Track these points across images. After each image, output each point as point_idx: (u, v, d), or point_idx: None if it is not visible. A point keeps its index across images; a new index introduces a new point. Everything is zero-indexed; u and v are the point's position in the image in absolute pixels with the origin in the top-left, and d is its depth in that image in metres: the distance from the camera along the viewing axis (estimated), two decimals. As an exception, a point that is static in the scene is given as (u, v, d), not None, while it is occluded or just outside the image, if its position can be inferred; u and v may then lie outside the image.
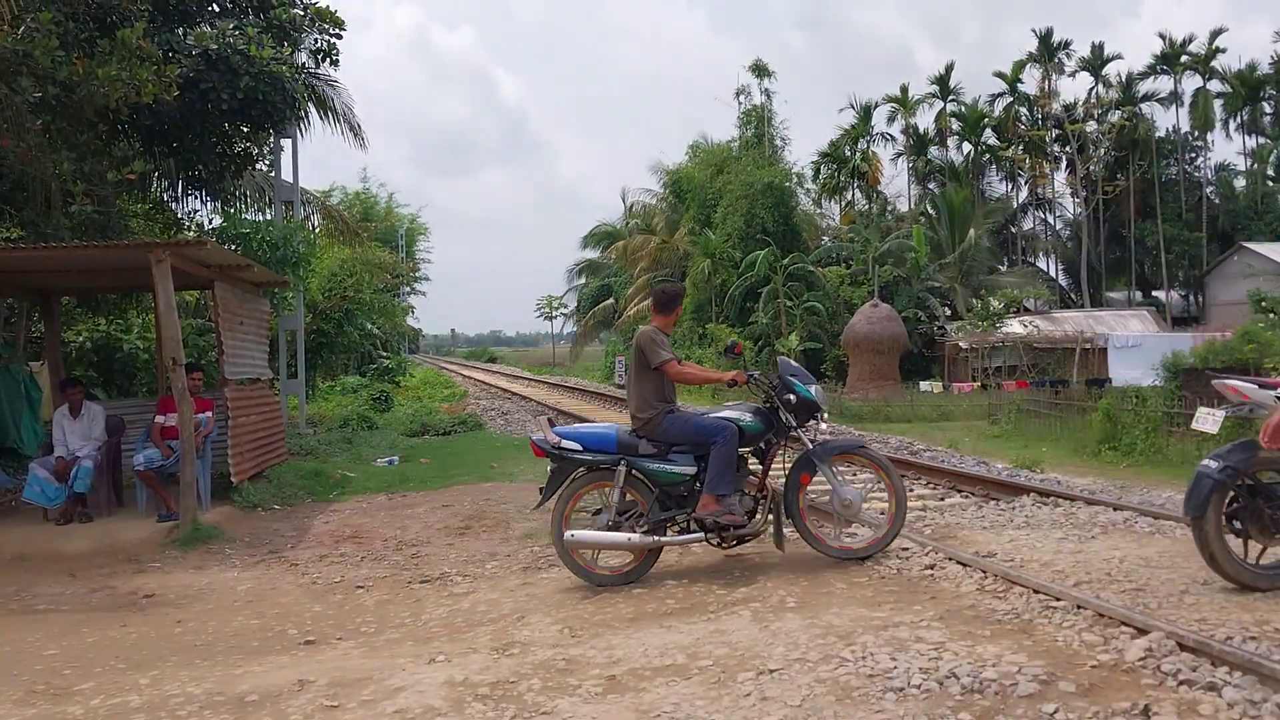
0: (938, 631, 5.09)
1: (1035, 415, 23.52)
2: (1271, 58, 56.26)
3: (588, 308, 70.87)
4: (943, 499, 9.99)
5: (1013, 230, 59.71)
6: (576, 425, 8.34)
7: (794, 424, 6.85)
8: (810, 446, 6.85)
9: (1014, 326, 38.95)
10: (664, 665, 5.02)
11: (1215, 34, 55.34)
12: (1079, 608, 5.22)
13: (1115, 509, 8.35)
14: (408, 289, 68.21)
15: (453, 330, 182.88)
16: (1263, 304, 30.54)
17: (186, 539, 9.09)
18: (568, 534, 6.75)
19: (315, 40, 15.94)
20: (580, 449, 6.88)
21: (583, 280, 76.78)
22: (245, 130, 15.73)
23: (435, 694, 4.72)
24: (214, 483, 10.67)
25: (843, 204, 58.96)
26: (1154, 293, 58.37)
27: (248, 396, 11.48)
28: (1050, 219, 63.41)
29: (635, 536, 6.72)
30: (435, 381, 40.70)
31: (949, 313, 43.92)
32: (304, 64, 16.33)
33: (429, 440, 18.47)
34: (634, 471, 6.83)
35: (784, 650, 5.06)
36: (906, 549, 6.89)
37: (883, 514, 7.28)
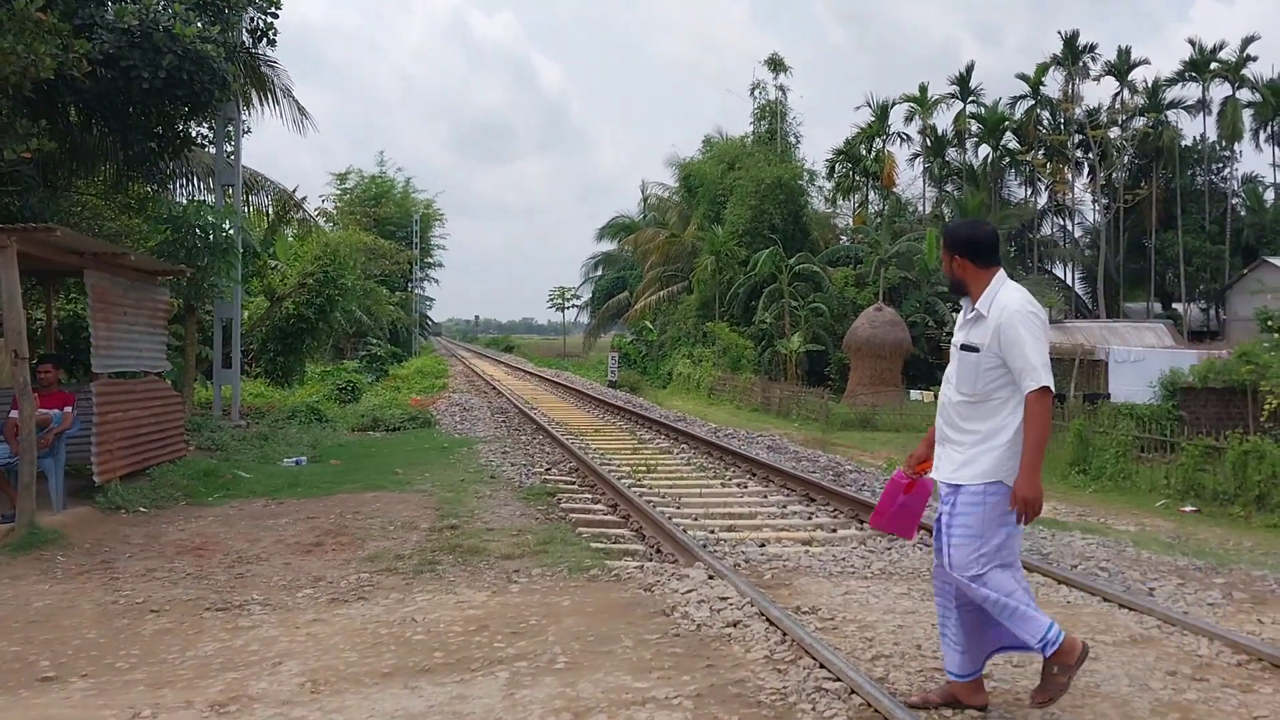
0: (680, 715, 4.48)
1: (1015, 431, 22.71)
2: (1306, 68, 54.79)
3: (602, 300, 70.36)
4: (835, 530, 9.30)
5: (1030, 236, 58.50)
6: None
7: None
8: None
9: (1024, 335, 37.95)
10: (375, 739, 4.43)
11: (1247, 41, 54.02)
12: (851, 693, 4.55)
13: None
14: (421, 275, 68.16)
15: (476, 316, 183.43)
16: (1269, 323, 29.43)
17: (19, 544, 8.55)
18: None
19: (251, 19, 15.35)
20: None
21: (599, 272, 76.31)
22: (186, 110, 15.22)
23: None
24: (85, 482, 10.15)
25: (855, 204, 57.99)
26: (1174, 305, 57.03)
27: (126, 391, 10.94)
28: (1069, 226, 62.20)
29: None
30: (428, 371, 40.19)
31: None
32: (242, 43, 15.76)
33: (373, 437, 17.92)
34: None
35: (506, 728, 4.46)
36: (727, 597, 6.23)
37: None
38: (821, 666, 4.91)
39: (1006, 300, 4.16)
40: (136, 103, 14.06)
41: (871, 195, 58.95)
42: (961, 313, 4.41)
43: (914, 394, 33.45)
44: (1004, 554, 4.15)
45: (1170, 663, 5.22)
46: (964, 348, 4.24)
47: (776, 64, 50.91)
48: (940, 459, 4.33)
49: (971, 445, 4.16)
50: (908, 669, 5.01)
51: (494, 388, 31.81)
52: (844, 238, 51.44)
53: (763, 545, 8.51)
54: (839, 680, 4.71)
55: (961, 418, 4.24)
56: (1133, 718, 4.46)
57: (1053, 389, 4.00)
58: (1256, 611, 6.38)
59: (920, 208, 58.31)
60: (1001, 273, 4.30)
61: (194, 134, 16.70)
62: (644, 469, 13.33)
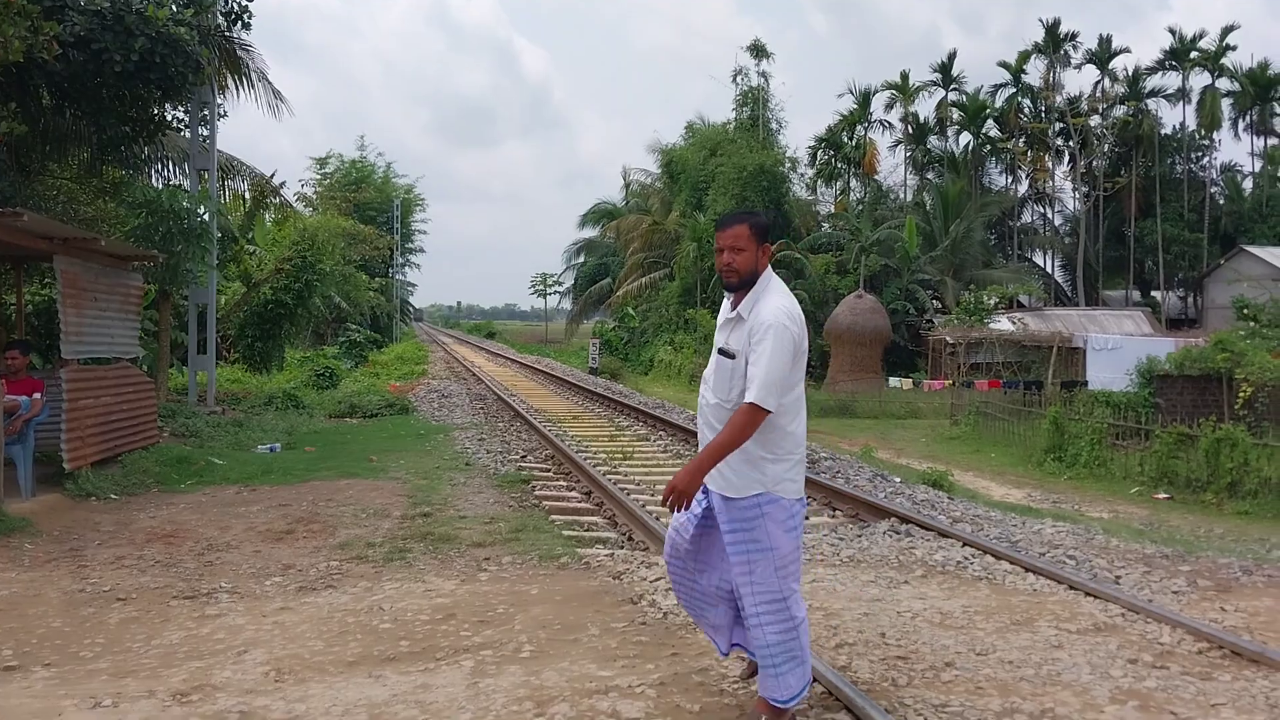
0: (642, 704, 4.46)
1: (993, 418, 22.83)
2: (1284, 57, 55.01)
3: (584, 286, 70.26)
4: (808, 517, 9.31)
5: (1011, 224, 58.69)
6: None
7: None
8: None
9: (1004, 323, 38.12)
10: (336, 729, 4.44)
11: (1226, 31, 54.22)
12: (813, 681, 4.55)
13: (965, 544, 7.65)
14: (401, 261, 67.87)
15: (459, 302, 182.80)
16: (1245, 311, 29.69)
17: (-14, 531, 8.48)
18: None
19: (225, 2, 15.21)
20: None
21: (582, 259, 76.19)
22: (159, 94, 15.08)
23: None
24: (55, 469, 10.07)
25: (837, 191, 58.04)
26: (1153, 293, 57.33)
27: (97, 377, 10.86)
28: (1049, 214, 62.43)
29: None
30: (408, 357, 40.04)
31: (938, 306, 43.11)
32: (217, 26, 15.62)
33: (349, 423, 17.85)
34: None
35: (470, 717, 4.50)
36: (696, 588, 6.23)
37: None
38: (785, 655, 4.90)
39: (766, 309, 3.90)
40: (109, 86, 13.93)
41: (853, 182, 59.02)
42: (723, 311, 4.14)
43: (893, 381, 33.53)
44: (794, 568, 4.02)
45: (1132, 650, 5.26)
46: (721, 352, 4.02)
47: (759, 50, 50.82)
48: None
49: (733, 455, 3.93)
50: (871, 657, 5.03)
51: (474, 374, 31.73)
52: (825, 225, 51.48)
53: (735, 533, 8.52)
54: (801, 669, 4.71)
55: (720, 422, 3.98)
56: (1092, 705, 4.49)
57: (769, 410, 3.78)
58: (1220, 599, 6.43)
59: (901, 195, 58.46)
60: (770, 271, 4.07)
61: (169, 118, 16.57)
62: (620, 456, 13.33)
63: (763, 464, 3.94)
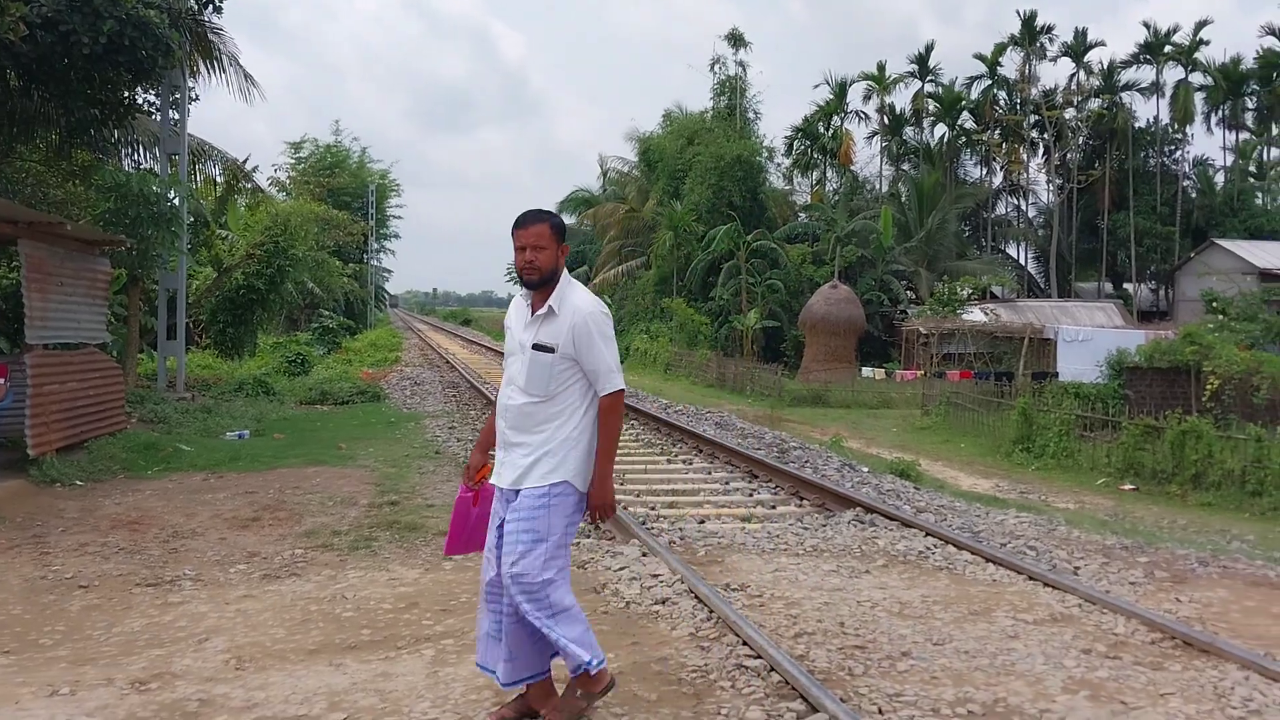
0: (600, 693, 4.47)
1: (963, 409, 22.97)
2: (1257, 52, 55.47)
3: (560, 274, 70.07)
4: (774, 506, 9.39)
5: (985, 216, 58.99)
6: None
7: None
8: None
9: (977, 314, 38.33)
10: (296, 716, 4.44)
11: (1200, 25, 54.55)
12: (770, 670, 4.61)
13: (927, 534, 7.72)
14: (376, 247, 67.51)
15: (435, 289, 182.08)
16: (1214, 304, 29.98)
17: (-52, 518, 8.41)
18: None
19: (197, -15, 15.09)
20: None
21: (558, 246, 75.91)
22: (129, 77, 14.93)
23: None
24: (19, 455, 9.99)
25: (813, 182, 58.14)
26: (1125, 285, 57.76)
27: (63, 363, 10.78)
28: (1023, 206, 62.79)
29: None
30: (382, 344, 39.87)
31: (912, 297, 43.30)
32: (188, 9, 15.48)
33: (320, 410, 17.78)
34: None
35: (429, 705, 4.53)
36: (659, 575, 6.27)
37: None
38: (744, 644, 4.96)
39: (579, 301, 3.99)
40: (77, 68, 13.78)
41: (829, 173, 59.10)
42: (529, 309, 4.09)
43: (866, 371, 33.67)
44: (563, 555, 4.02)
45: (1086, 641, 5.33)
46: (536, 347, 3.99)
47: (736, 39, 50.73)
48: (503, 465, 4.09)
49: (539, 447, 3.97)
50: (829, 646, 5.08)
51: (447, 362, 31.68)
52: (801, 215, 51.55)
53: (702, 522, 8.57)
54: (759, 658, 4.76)
55: (530, 419, 4.00)
56: (1044, 695, 4.55)
57: (624, 389, 3.96)
58: (1175, 590, 6.52)
59: (877, 186, 58.62)
60: (566, 270, 4.12)
61: (139, 101, 16.42)
62: (591, 445, 13.32)
63: (568, 452, 3.99)
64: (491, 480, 4.15)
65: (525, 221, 4.05)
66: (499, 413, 4.13)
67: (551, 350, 3.95)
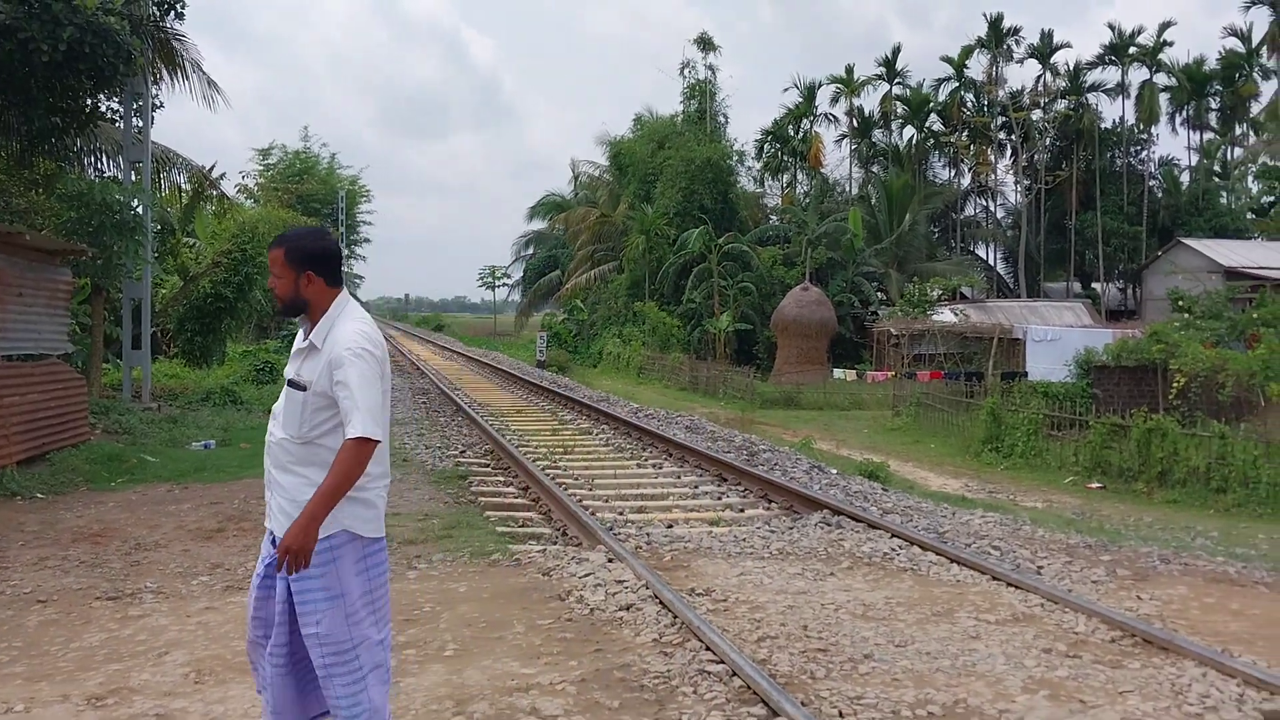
0: (562, 701, 4.49)
1: (932, 409, 23.10)
2: (1219, 53, 56.16)
3: (533, 279, 69.95)
4: (742, 510, 9.40)
5: (954, 217, 59.39)
6: None
7: None
8: None
9: (947, 314, 38.56)
10: (253, 730, 4.41)
11: (1164, 27, 55.15)
12: (733, 675, 4.61)
13: (893, 535, 7.75)
14: (346, 254, 67.19)
15: (407, 295, 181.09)
16: (1180, 303, 30.28)
17: (-95, 533, 8.29)
18: None
19: (159, -9, 14.98)
20: None
21: (531, 251, 75.81)
22: (90, 84, 14.79)
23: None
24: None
25: (784, 184, 58.39)
26: (1093, 285, 58.26)
27: (23, 374, 10.67)
28: (992, 207, 63.27)
29: None
30: (353, 350, 39.53)
31: (883, 298, 43.53)
32: (149, 16, 15.36)
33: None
34: None
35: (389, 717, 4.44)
36: (624, 580, 6.27)
37: None
38: (708, 649, 4.97)
39: (340, 334, 3.49)
40: (37, 76, 13.64)
41: (800, 175, 59.35)
42: (296, 340, 3.68)
43: (838, 372, 33.82)
44: (373, 613, 3.61)
45: (1047, 640, 5.37)
46: (291, 384, 3.59)
47: (706, 43, 50.89)
48: (273, 509, 3.63)
49: (294, 493, 3.51)
50: (791, 649, 5.09)
51: (418, 368, 31.52)
52: (773, 217, 51.79)
53: (670, 526, 8.57)
54: (722, 663, 4.77)
55: (292, 460, 3.56)
56: (1004, 695, 4.58)
57: (378, 440, 3.38)
58: (1137, 588, 6.58)
59: (847, 188, 58.91)
60: (344, 295, 3.64)
61: (101, 109, 16.27)
62: (561, 450, 13.32)
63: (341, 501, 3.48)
64: (267, 524, 3.70)
65: (270, 244, 3.69)
66: (265, 448, 3.72)
67: (304, 388, 3.52)
